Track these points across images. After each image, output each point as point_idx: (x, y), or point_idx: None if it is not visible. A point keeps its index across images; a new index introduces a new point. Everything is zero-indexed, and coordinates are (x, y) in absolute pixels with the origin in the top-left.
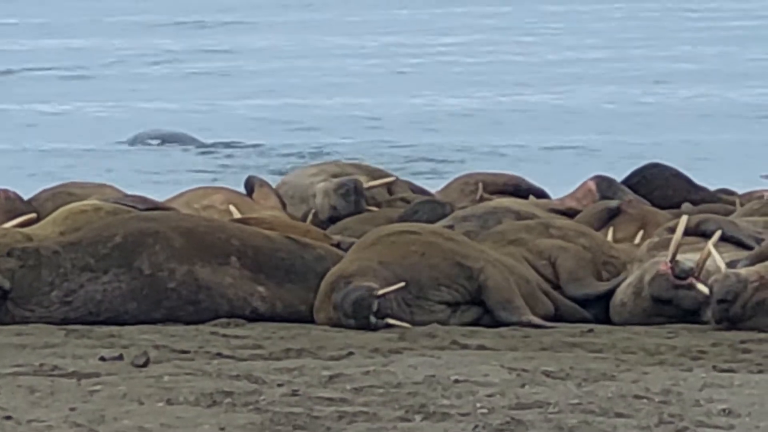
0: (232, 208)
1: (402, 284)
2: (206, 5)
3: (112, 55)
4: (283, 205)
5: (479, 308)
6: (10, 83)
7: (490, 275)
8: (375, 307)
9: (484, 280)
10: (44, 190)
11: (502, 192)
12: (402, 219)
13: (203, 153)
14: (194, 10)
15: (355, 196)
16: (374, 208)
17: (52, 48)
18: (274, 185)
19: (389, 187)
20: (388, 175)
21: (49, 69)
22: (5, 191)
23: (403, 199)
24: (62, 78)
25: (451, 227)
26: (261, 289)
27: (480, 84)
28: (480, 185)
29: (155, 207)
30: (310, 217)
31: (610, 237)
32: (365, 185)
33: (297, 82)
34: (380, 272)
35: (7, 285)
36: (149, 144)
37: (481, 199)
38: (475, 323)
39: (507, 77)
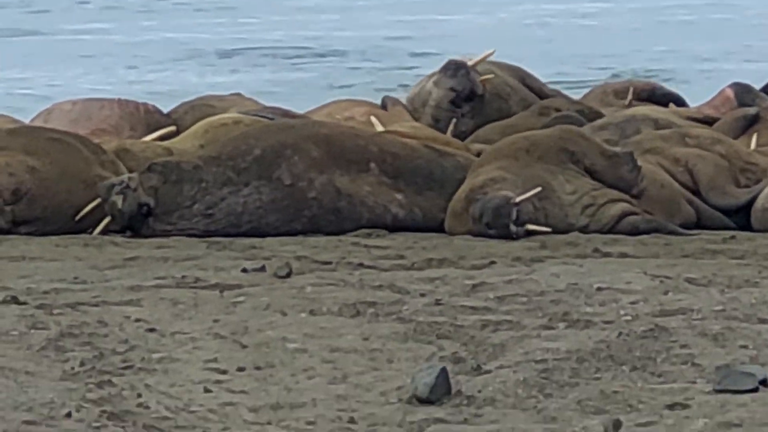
0: (373, 119)
1: (538, 189)
2: None
3: None
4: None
5: (615, 206)
6: None
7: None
8: (514, 215)
9: (589, 163)
10: (183, 103)
11: (638, 99)
12: None
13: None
14: None
15: (464, 69)
16: (489, 75)
17: None
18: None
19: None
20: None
21: None
22: (145, 104)
23: (557, 109)
24: None
25: None
26: (399, 196)
27: None
28: (631, 89)
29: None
30: (451, 127)
31: (753, 144)
32: (469, 63)
33: None
34: (510, 179)
35: (151, 202)
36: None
37: (630, 105)
38: (614, 228)
39: None
